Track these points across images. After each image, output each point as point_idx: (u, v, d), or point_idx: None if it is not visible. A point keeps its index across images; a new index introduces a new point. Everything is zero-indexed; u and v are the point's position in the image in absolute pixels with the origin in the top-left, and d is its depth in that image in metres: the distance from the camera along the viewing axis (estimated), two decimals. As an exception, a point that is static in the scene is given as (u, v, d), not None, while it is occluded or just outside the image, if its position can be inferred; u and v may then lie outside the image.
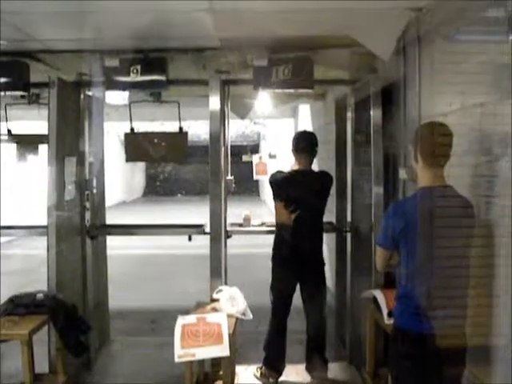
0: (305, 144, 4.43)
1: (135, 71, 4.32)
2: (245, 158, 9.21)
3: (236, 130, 18.63)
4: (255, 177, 5.95)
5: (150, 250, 10.70)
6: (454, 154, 2.73)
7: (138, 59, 4.31)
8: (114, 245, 6.04)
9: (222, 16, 3.54)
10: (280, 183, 4.43)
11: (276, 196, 4.48)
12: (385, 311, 3.58)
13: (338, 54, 4.33)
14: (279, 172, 4.51)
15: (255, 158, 6.03)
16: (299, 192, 4.32)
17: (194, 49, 4.38)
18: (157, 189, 29.87)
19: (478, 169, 2.78)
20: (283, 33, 3.99)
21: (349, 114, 5.03)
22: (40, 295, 3.98)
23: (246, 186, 23.95)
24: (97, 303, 5.10)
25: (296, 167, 4.45)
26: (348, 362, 4.96)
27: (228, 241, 4.80)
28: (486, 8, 2.66)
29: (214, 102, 4.46)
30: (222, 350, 3.33)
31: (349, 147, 5.05)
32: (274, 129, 16.18)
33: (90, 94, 4.93)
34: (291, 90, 4.45)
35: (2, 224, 5.52)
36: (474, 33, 2.97)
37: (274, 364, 4.50)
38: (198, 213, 5.09)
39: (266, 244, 4.64)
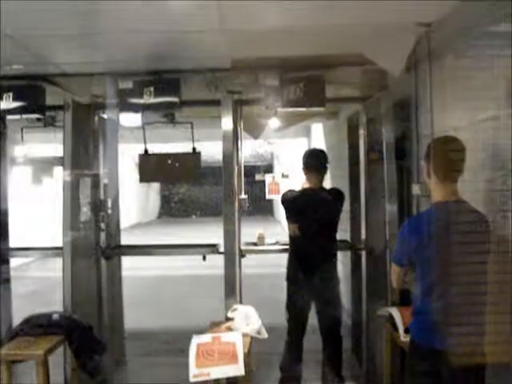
0: (315, 162, 4.44)
1: (149, 93, 4.36)
2: (258, 177, 9.22)
3: (250, 150, 18.67)
4: (268, 196, 5.97)
5: (164, 270, 10.71)
6: (468, 169, 2.72)
7: (151, 81, 4.35)
8: (129, 266, 6.05)
9: (234, 36, 3.57)
10: (291, 202, 4.44)
11: (288, 215, 4.49)
12: (401, 329, 3.54)
13: (349, 71, 4.36)
14: (290, 191, 4.52)
15: (268, 178, 6.05)
16: (311, 210, 4.31)
17: (206, 70, 4.42)
18: (172, 210, 29.96)
19: (493, 183, 2.77)
20: (294, 52, 4.02)
21: (361, 132, 5.03)
22: (56, 315, 4.00)
23: (261, 206, 23.94)
24: (112, 324, 5.11)
25: (307, 185, 4.45)
26: (365, 381, 4.90)
27: (243, 260, 4.80)
28: (496, 22, 2.67)
29: (227, 122, 4.49)
30: (237, 370, 3.30)
31: (362, 164, 5.05)
32: (288, 149, 16.20)
33: (104, 116, 4.99)
34: (303, 109, 4.47)
35: (18, 246, 5.57)
36: (484, 47, 2.97)
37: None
38: (212, 233, 5.09)
39: (281, 264, 4.63)
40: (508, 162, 2.57)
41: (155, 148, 5.69)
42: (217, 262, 4.57)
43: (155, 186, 28.33)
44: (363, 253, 4.99)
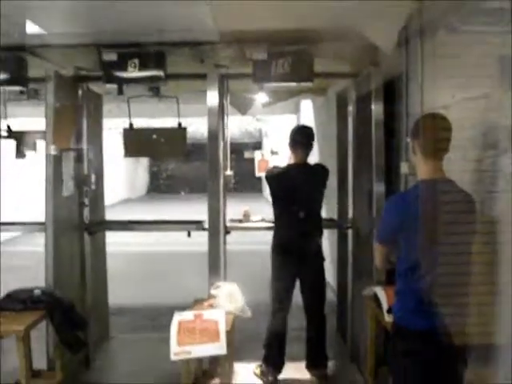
0: (301, 138, 4.41)
1: (133, 65, 4.27)
2: (246, 154, 9.15)
3: (239, 127, 18.56)
4: (257, 174, 5.91)
5: (149, 246, 10.67)
6: (457, 148, 2.67)
7: (136, 53, 4.26)
8: (113, 241, 6.00)
9: (219, 7, 3.48)
10: (276, 178, 4.40)
11: (273, 191, 4.45)
12: (385, 308, 3.52)
13: (339, 46, 4.28)
14: (274, 167, 4.51)
15: (257, 155, 5.98)
16: (295, 186, 4.28)
17: (192, 43, 4.33)
18: (160, 186, 29.82)
19: (482, 163, 2.73)
20: (282, 25, 3.94)
21: (350, 109, 4.97)
22: (37, 291, 3.94)
23: (249, 183, 23.88)
24: (96, 300, 5.06)
25: (292, 161, 4.41)
26: (349, 359, 4.91)
27: (228, 237, 4.76)
28: (489, -2, 2.61)
29: (213, 97, 4.41)
30: (219, 348, 3.27)
31: (350, 142, 4.99)
32: (277, 125, 16.12)
33: (88, 88, 4.89)
34: (291, 84, 4.40)
35: (2, 221, 5.50)
36: (476, 24, 2.91)
37: (273, 361, 4.46)
38: (200, 209, 5.04)
39: (267, 240, 4.59)
40: (497, 142, 2.52)
41: (143, 123, 5.63)
42: (204, 239, 4.52)
43: (144, 162, 28.18)
44: (350, 231, 4.96)
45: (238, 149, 15.32)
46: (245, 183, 23.51)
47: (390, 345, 2.76)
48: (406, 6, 3.48)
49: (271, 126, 17.96)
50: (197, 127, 15.97)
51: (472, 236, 2.49)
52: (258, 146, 21.60)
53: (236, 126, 17.44)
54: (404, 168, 3.76)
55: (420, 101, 3.55)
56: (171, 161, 28.47)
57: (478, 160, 2.78)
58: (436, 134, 2.56)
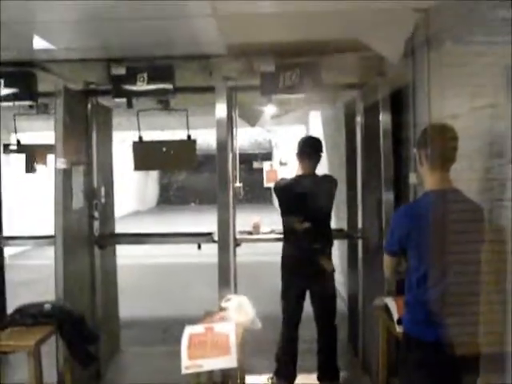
0: (308, 149, 4.41)
1: (142, 79, 4.30)
2: (255, 165, 9.14)
3: (248, 138, 18.61)
4: (266, 184, 5.92)
5: (160, 258, 10.67)
6: (465, 157, 2.66)
7: (144, 67, 4.29)
8: (124, 254, 6.01)
9: (227, 20, 3.50)
10: (283, 190, 4.40)
11: (281, 203, 4.45)
12: (396, 319, 3.50)
13: (346, 58, 4.28)
14: (282, 179, 4.52)
15: (266, 166, 5.99)
16: (303, 197, 4.26)
17: (200, 56, 4.36)
18: (170, 198, 29.86)
19: (490, 172, 2.72)
20: (289, 37, 3.96)
21: (358, 119, 4.97)
22: (47, 305, 3.94)
23: (259, 194, 23.89)
24: (106, 313, 5.07)
25: (300, 172, 4.41)
26: (361, 370, 4.88)
27: (238, 249, 4.75)
28: (494, 8, 2.61)
29: (221, 109, 4.42)
30: (230, 362, 3.26)
31: (359, 152, 4.99)
32: (286, 136, 16.13)
33: (97, 102, 4.92)
34: (299, 96, 4.41)
35: (12, 234, 5.52)
36: (482, 34, 2.92)
37: (285, 373, 4.44)
38: (210, 221, 5.06)
39: (278, 252, 4.58)
40: (504, 151, 2.51)
41: (153, 136, 5.65)
42: (214, 251, 4.52)
43: (154, 174, 28.23)
44: (359, 241, 4.95)
45: (248, 159, 15.35)
46: (254, 194, 23.50)
47: (400, 356, 2.75)
48: (412, 16, 3.47)
49: (281, 137, 17.98)
50: (206, 138, 16.04)
51: (481, 245, 2.48)
52: (268, 156, 21.61)
53: (246, 137, 17.49)
54: (413, 178, 3.75)
55: (427, 110, 3.54)
56: (181, 172, 28.51)
57: (485, 169, 2.77)
58: (442, 144, 2.56)
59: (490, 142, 2.73)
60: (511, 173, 2.44)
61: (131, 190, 22.56)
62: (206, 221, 7.80)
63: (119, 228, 5.80)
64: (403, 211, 2.82)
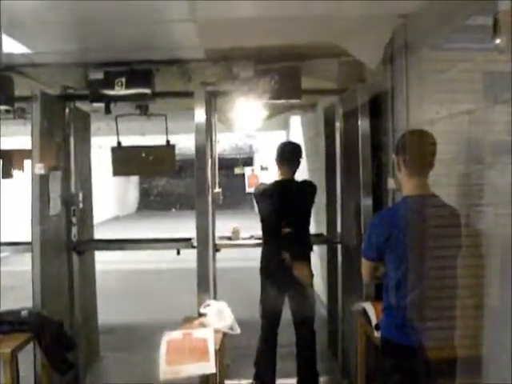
0: (287, 154, 4.40)
1: (120, 84, 4.27)
2: (237, 170, 9.12)
3: (229, 142, 18.58)
4: (247, 189, 5.91)
5: (139, 264, 10.60)
6: (443, 163, 2.68)
7: (122, 72, 4.27)
8: (102, 259, 5.96)
9: (205, 25, 3.49)
10: (262, 195, 4.39)
11: (260, 208, 4.44)
12: (374, 324, 3.51)
13: (326, 63, 4.30)
14: (262, 184, 4.50)
15: (247, 171, 5.99)
16: (281, 202, 4.26)
17: (179, 60, 4.34)
18: (151, 203, 29.70)
19: (468, 177, 2.74)
20: (269, 42, 3.96)
21: (337, 125, 4.98)
22: (24, 312, 3.90)
23: (240, 199, 23.87)
24: (85, 319, 5.01)
25: (279, 177, 4.41)
26: (340, 375, 4.88)
27: (218, 254, 4.74)
28: (472, 15, 2.64)
29: (200, 114, 4.40)
30: (208, 368, 3.24)
31: (338, 158, 5.00)
32: (267, 141, 16.18)
33: (75, 107, 4.88)
34: (279, 101, 4.41)
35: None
36: (460, 40, 2.95)
37: (264, 379, 4.42)
38: (190, 226, 5.03)
39: (257, 257, 4.57)
40: (483, 156, 2.54)
41: (134, 141, 5.63)
42: (194, 256, 4.50)
43: (134, 180, 28.06)
44: (339, 246, 4.95)
45: (229, 164, 15.33)
46: (235, 199, 23.48)
47: (379, 361, 2.75)
48: (391, 22, 3.50)
49: (261, 142, 18.01)
50: (187, 143, 15.98)
51: (458, 250, 2.50)
52: (249, 161, 21.60)
53: (226, 141, 17.47)
54: (391, 183, 3.77)
55: (405, 116, 3.56)
56: (162, 178, 28.39)
57: (463, 175, 2.79)
58: (420, 150, 2.58)
59: (468, 147, 2.75)
60: (489, 178, 2.46)
61: (111, 196, 22.39)
62: (186, 226, 7.76)
63: (98, 234, 5.75)
64: (381, 217, 2.84)
